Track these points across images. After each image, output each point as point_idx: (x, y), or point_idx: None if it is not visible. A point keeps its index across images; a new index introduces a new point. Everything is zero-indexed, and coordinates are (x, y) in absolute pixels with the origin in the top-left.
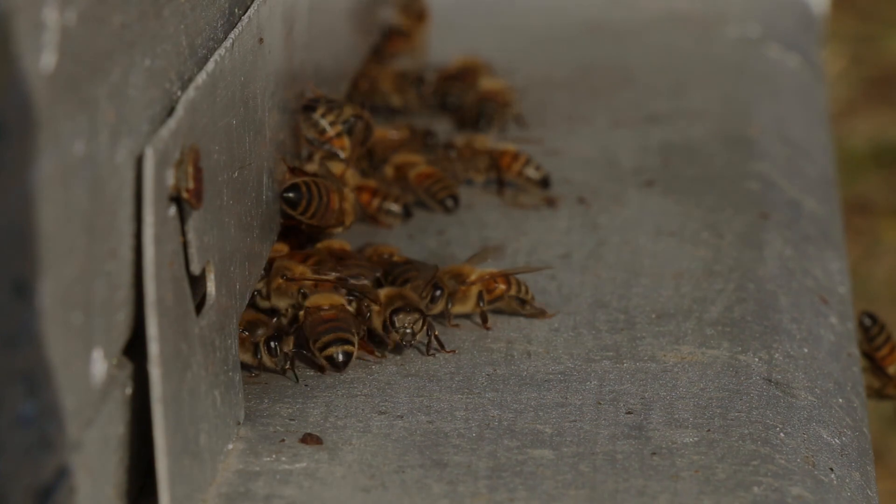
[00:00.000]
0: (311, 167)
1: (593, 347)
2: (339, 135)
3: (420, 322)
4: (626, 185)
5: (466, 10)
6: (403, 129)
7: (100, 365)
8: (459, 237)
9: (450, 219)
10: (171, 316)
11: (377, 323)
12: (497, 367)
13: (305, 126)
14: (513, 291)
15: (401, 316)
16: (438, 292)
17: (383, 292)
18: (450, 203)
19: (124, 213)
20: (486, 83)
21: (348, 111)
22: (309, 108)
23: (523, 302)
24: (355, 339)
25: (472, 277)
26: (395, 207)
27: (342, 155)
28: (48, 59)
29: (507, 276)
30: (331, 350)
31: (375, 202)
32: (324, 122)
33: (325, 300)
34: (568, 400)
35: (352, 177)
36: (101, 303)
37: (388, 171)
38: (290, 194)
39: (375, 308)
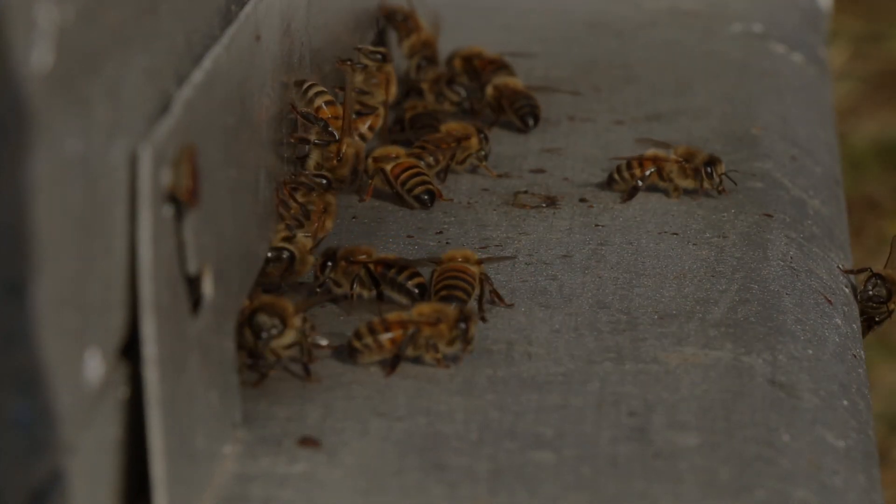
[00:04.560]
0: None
1: (595, 349)
2: (329, 103)
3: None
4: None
5: (467, 8)
6: None
7: (95, 366)
8: (459, 237)
9: (450, 219)
10: (166, 317)
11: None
12: (497, 369)
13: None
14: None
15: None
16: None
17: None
18: (425, 198)
19: (120, 212)
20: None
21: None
22: (299, 83)
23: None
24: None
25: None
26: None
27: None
28: (44, 57)
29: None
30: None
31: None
32: (311, 92)
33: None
34: (569, 402)
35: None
36: (96, 303)
37: (369, 163)
38: (271, 255)
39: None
